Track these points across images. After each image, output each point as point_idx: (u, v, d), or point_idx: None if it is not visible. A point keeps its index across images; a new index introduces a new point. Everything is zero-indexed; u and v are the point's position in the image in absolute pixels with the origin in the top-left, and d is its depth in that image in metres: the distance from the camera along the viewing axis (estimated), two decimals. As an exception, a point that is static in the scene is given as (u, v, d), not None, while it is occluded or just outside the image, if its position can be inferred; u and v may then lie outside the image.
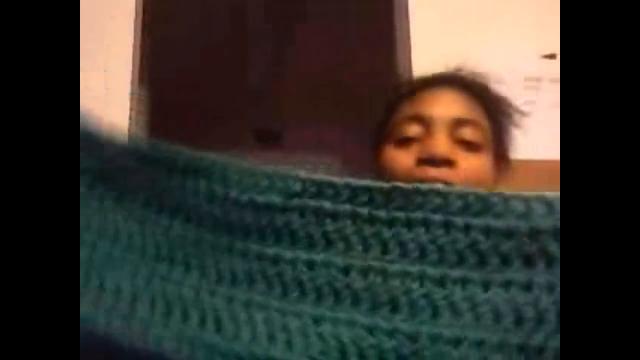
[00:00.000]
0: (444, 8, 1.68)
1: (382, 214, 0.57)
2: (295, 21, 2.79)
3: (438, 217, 0.56)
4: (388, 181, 0.75)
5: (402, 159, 0.77)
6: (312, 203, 0.58)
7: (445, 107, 0.80)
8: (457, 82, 0.85)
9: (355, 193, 0.58)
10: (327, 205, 0.57)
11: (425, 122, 0.79)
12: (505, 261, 0.56)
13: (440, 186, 0.59)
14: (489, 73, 0.92)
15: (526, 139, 1.63)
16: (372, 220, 0.56)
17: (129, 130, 1.51)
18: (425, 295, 0.54)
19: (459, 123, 0.78)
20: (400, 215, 0.57)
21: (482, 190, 0.58)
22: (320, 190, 0.58)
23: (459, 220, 0.56)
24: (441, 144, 0.76)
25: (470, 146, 0.78)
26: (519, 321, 0.53)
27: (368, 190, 0.58)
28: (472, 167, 0.77)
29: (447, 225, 0.56)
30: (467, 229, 0.56)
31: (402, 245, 0.55)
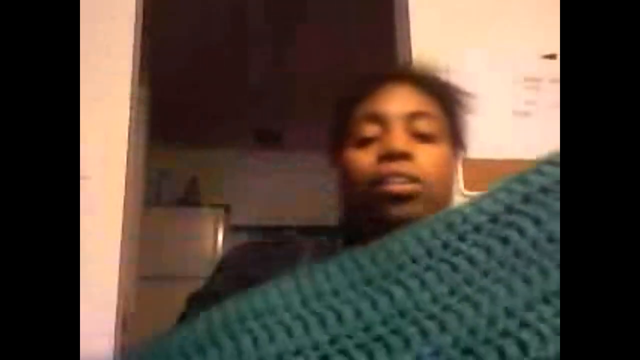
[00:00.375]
0: (444, 8, 1.68)
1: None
2: (295, 21, 2.79)
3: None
4: (351, 183, 0.78)
5: (363, 158, 0.79)
6: None
7: (399, 102, 0.82)
8: (408, 77, 0.87)
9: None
10: None
11: (382, 120, 0.81)
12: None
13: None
14: (440, 65, 0.95)
15: (526, 139, 1.63)
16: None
17: (129, 130, 1.51)
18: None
19: (413, 116, 0.81)
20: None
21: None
22: None
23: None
24: (398, 139, 0.78)
25: (426, 137, 0.80)
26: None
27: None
28: (429, 157, 0.79)
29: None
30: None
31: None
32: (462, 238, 0.65)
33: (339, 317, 0.60)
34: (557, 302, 0.58)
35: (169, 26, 2.40)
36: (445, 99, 0.87)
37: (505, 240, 0.63)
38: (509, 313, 0.59)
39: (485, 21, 1.68)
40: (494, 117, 1.62)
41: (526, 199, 0.65)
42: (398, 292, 0.61)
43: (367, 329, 0.60)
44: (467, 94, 0.94)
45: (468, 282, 0.61)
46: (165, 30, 2.28)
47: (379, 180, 0.76)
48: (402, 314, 0.60)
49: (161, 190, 3.85)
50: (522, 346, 0.56)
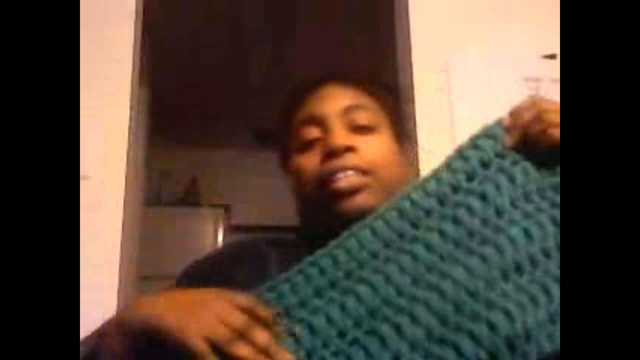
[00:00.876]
0: (444, 8, 1.68)
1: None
2: (295, 21, 2.79)
3: None
4: (301, 187, 0.81)
5: (308, 161, 0.81)
6: None
7: (333, 100, 0.84)
8: (338, 76, 0.89)
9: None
10: None
11: (319, 121, 0.83)
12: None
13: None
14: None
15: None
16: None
17: (129, 130, 1.51)
18: None
19: (349, 110, 0.83)
20: None
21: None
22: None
23: None
24: (338, 136, 0.80)
25: (365, 129, 0.82)
26: None
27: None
28: (372, 147, 0.81)
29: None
30: None
31: None
32: (414, 224, 0.65)
33: (311, 329, 0.60)
34: (516, 278, 0.59)
35: (169, 26, 2.40)
36: (379, 92, 0.89)
37: (456, 221, 0.64)
38: (473, 295, 0.59)
39: (485, 21, 1.68)
40: (494, 117, 1.62)
41: (469, 176, 0.65)
42: (364, 291, 0.61)
43: (341, 334, 0.60)
44: (396, 87, 0.97)
45: (429, 268, 0.62)
46: (165, 30, 2.28)
47: (326, 178, 0.78)
48: (372, 313, 0.60)
49: (161, 190, 3.85)
50: (492, 326, 0.56)
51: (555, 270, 0.58)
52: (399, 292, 0.62)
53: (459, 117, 1.59)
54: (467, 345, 0.56)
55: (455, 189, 0.66)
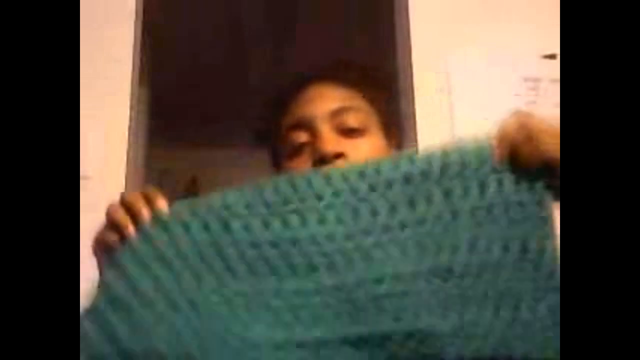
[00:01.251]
0: (444, 8, 1.68)
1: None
2: (295, 21, 2.79)
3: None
4: None
5: (299, 167, 0.79)
6: None
7: (320, 103, 0.82)
8: (325, 75, 0.87)
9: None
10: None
11: (307, 125, 0.81)
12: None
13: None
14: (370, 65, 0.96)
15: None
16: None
17: (129, 130, 1.51)
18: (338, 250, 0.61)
19: (337, 113, 0.81)
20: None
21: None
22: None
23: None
24: (327, 141, 0.78)
25: (355, 132, 0.81)
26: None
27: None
28: (362, 151, 0.79)
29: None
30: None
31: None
32: (372, 188, 0.64)
33: (226, 226, 0.62)
34: (437, 281, 0.59)
35: (169, 26, 2.39)
36: (369, 89, 0.87)
37: (412, 204, 0.63)
38: (396, 277, 0.60)
39: (485, 21, 1.68)
40: (494, 117, 1.62)
41: (444, 169, 0.64)
42: (294, 221, 0.62)
43: (254, 245, 0.61)
44: (389, 75, 0.94)
45: (366, 233, 0.62)
46: (165, 30, 2.28)
47: None
48: (293, 242, 0.61)
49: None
50: (396, 316, 0.57)
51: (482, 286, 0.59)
52: (329, 238, 0.63)
53: (459, 117, 1.59)
54: (371, 317, 0.57)
55: (426, 175, 0.65)
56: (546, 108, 1.65)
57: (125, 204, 0.64)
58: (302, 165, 0.79)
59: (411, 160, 0.67)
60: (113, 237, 0.63)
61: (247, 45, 2.98)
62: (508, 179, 0.64)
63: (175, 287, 0.59)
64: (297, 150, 0.81)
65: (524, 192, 0.63)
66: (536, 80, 1.67)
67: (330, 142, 0.78)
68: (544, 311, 0.58)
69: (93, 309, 0.58)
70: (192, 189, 4.15)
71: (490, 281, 0.59)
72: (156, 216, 0.63)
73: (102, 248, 0.64)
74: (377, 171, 0.66)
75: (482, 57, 1.66)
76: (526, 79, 1.67)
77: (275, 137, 0.87)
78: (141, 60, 1.65)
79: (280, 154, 0.85)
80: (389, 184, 0.65)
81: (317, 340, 0.58)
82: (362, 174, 0.66)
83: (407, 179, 0.65)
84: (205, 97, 3.42)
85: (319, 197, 0.64)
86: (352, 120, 0.81)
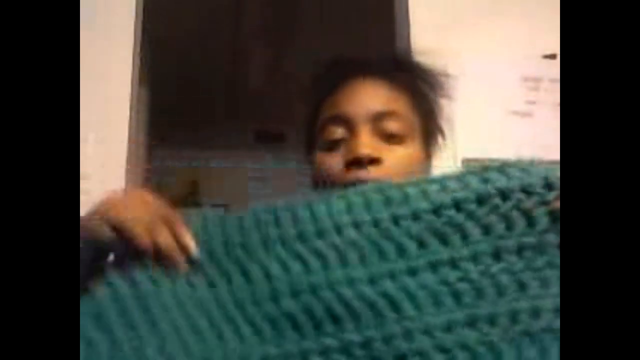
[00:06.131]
0: (444, 8, 1.68)
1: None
2: (295, 21, 2.79)
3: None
4: (323, 186, 0.75)
5: (331, 162, 0.76)
6: None
7: (365, 102, 0.78)
8: (374, 70, 0.82)
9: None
10: None
11: (347, 122, 0.77)
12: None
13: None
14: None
15: (526, 139, 1.63)
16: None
17: (129, 130, 1.51)
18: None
19: (380, 116, 0.77)
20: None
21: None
22: None
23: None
24: (364, 144, 0.74)
25: (394, 138, 0.77)
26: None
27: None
28: (398, 160, 0.75)
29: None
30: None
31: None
32: (395, 222, 0.59)
33: (245, 275, 0.57)
34: (474, 335, 0.53)
35: (169, 26, 2.40)
36: (416, 91, 0.83)
37: (444, 240, 0.57)
38: (427, 332, 0.54)
39: (485, 21, 1.68)
40: (494, 117, 1.62)
41: (480, 200, 0.59)
42: (314, 264, 0.56)
43: (274, 298, 0.56)
44: (445, 75, 0.87)
45: (392, 276, 0.56)
46: (165, 30, 2.28)
47: (347, 186, 0.71)
48: (313, 289, 0.56)
49: (161, 190, 3.85)
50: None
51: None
52: (349, 281, 0.56)
53: (459, 117, 1.59)
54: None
55: (458, 206, 0.59)
56: (546, 108, 1.66)
57: (151, 233, 0.61)
58: (335, 160, 0.76)
59: (444, 188, 0.60)
60: (108, 233, 0.60)
61: (247, 45, 2.98)
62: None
63: (175, 338, 0.55)
64: (332, 144, 0.77)
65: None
66: (536, 80, 1.67)
67: (368, 145, 0.74)
68: None
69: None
70: (192, 190, 4.16)
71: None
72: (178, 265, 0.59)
73: (89, 236, 0.61)
74: (405, 199, 0.59)
75: (482, 58, 1.67)
76: (526, 79, 1.67)
77: (312, 125, 0.82)
78: (141, 60, 1.65)
79: (314, 143, 0.80)
80: (417, 215, 0.59)
81: None
82: (388, 202, 0.60)
83: (438, 212, 0.59)
84: (205, 97, 3.43)
85: (339, 230, 0.59)
86: (393, 126, 0.77)
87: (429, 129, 0.83)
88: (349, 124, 0.77)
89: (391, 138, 0.77)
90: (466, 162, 1.53)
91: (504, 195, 0.59)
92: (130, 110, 1.52)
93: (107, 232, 0.61)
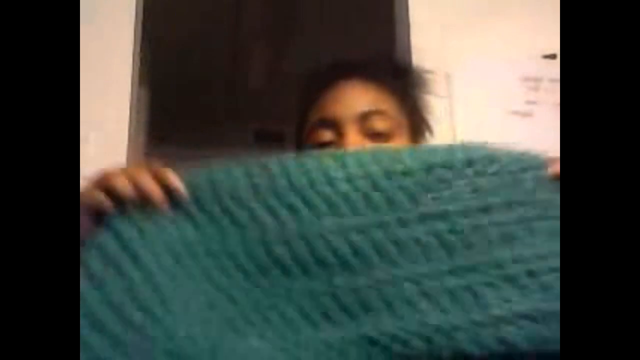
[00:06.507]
0: (444, 8, 1.68)
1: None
2: (296, 21, 2.79)
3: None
4: None
5: None
6: None
7: (350, 103, 0.80)
8: (359, 71, 0.83)
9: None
10: None
11: (334, 124, 0.79)
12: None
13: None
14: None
15: (526, 139, 1.63)
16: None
17: (129, 130, 1.51)
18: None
19: (366, 116, 0.78)
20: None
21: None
22: None
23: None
24: (353, 144, 0.76)
25: (382, 136, 0.78)
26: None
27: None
28: None
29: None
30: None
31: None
32: (388, 176, 0.61)
33: (234, 221, 0.59)
34: (457, 281, 0.56)
35: (169, 26, 2.40)
36: (402, 89, 0.84)
37: (434, 195, 0.60)
38: (413, 279, 0.57)
39: (485, 21, 1.68)
40: (494, 117, 1.63)
41: (469, 162, 0.61)
42: (304, 212, 0.58)
43: (264, 242, 0.58)
44: (426, 72, 0.89)
45: (381, 226, 0.58)
46: (165, 31, 2.28)
47: None
48: (303, 237, 0.58)
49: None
50: (408, 317, 0.55)
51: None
52: (339, 229, 0.59)
53: (459, 117, 1.59)
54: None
55: (450, 167, 0.62)
56: (546, 108, 1.66)
57: (133, 180, 0.62)
58: None
59: (431, 151, 0.63)
60: (107, 202, 0.60)
61: (247, 45, 2.98)
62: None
63: (168, 283, 0.56)
64: (321, 147, 0.78)
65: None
66: (536, 80, 1.67)
67: (356, 145, 0.76)
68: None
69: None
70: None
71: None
72: (156, 210, 0.60)
73: (89, 208, 0.61)
74: (396, 158, 0.62)
75: (482, 58, 1.67)
76: (526, 79, 1.67)
77: (301, 129, 0.84)
78: (141, 60, 1.65)
79: (303, 148, 0.82)
80: (408, 172, 0.61)
81: (326, 342, 0.55)
82: (379, 160, 0.62)
83: (428, 168, 0.61)
84: (205, 97, 3.42)
85: (331, 183, 0.61)
86: (380, 125, 0.78)
87: (416, 126, 0.85)
88: (337, 126, 0.78)
89: (379, 137, 0.78)
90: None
91: (491, 158, 0.62)
92: (130, 110, 1.52)
93: (100, 197, 0.61)
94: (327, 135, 0.79)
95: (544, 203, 0.60)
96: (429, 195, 0.60)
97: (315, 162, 0.62)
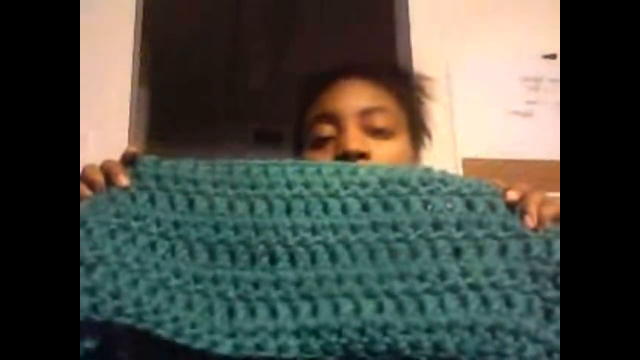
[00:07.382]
0: (444, 8, 1.68)
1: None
2: (296, 21, 2.79)
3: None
4: None
5: (320, 159, 0.78)
6: None
7: (351, 99, 0.81)
8: (359, 70, 0.85)
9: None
10: None
11: (334, 119, 0.79)
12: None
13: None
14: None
15: (526, 139, 1.63)
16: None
17: (129, 130, 1.51)
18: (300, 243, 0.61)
19: (366, 112, 0.79)
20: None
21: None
22: None
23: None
24: (352, 139, 0.77)
25: (382, 133, 0.79)
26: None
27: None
28: (385, 153, 0.78)
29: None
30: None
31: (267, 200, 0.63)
32: (344, 186, 0.64)
33: (191, 204, 0.62)
34: (403, 286, 0.59)
35: (169, 26, 2.40)
36: (401, 89, 0.85)
37: (387, 207, 0.63)
38: (359, 280, 0.59)
39: (485, 21, 1.68)
40: (494, 117, 1.63)
41: (423, 182, 0.64)
42: (260, 207, 0.61)
43: (217, 228, 0.61)
44: (427, 79, 0.91)
45: (333, 229, 0.61)
46: (165, 30, 2.28)
47: None
48: (256, 229, 0.61)
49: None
50: (354, 314, 0.57)
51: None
52: (293, 229, 0.61)
53: (459, 117, 1.59)
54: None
55: (404, 183, 0.64)
56: (546, 108, 1.66)
57: (103, 166, 0.65)
58: (324, 158, 0.78)
59: (388, 170, 0.66)
60: (87, 192, 0.63)
61: (247, 45, 2.98)
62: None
63: (133, 251, 0.59)
64: (321, 142, 0.79)
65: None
66: (536, 80, 1.67)
67: (356, 140, 0.77)
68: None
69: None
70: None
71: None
72: (120, 184, 0.63)
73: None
74: (354, 172, 0.65)
75: (482, 58, 1.67)
76: (526, 79, 1.67)
77: (300, 124, 0.85)
78: (141, 60, 1.65)
79: (302, 143, 0.83)
80: (365, 184, 0.64)
81: (264, 329, 0.57)
82: (337, 172, 0.65)
83: (384, 183, 0.64)
84: (205, 97, 3.43)
85: (289, 186, 0.63)
86: (380, 121, 0.79)
87: (416, 125, 0.85)
88: (337, 121, 0.79)
89: (379, 133, 0.79)
90: (466, 162, 1.54)
91: (444, 182, 0.65)
92: (130, 110, 1.52)
93: (85, 190, 0.63)
94: (327, 129, 0.79)
95: (494, 225, 0.62)
96: (382, 206, 0.63)
97: (277, 167, 0.65)
